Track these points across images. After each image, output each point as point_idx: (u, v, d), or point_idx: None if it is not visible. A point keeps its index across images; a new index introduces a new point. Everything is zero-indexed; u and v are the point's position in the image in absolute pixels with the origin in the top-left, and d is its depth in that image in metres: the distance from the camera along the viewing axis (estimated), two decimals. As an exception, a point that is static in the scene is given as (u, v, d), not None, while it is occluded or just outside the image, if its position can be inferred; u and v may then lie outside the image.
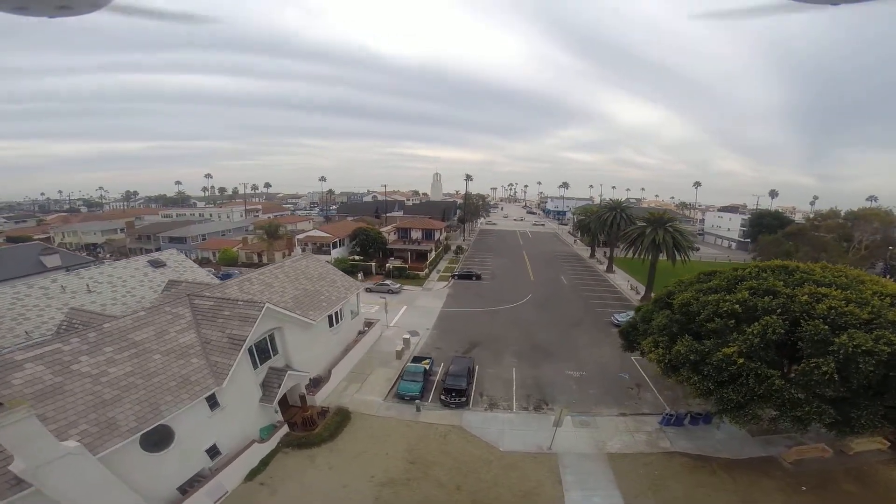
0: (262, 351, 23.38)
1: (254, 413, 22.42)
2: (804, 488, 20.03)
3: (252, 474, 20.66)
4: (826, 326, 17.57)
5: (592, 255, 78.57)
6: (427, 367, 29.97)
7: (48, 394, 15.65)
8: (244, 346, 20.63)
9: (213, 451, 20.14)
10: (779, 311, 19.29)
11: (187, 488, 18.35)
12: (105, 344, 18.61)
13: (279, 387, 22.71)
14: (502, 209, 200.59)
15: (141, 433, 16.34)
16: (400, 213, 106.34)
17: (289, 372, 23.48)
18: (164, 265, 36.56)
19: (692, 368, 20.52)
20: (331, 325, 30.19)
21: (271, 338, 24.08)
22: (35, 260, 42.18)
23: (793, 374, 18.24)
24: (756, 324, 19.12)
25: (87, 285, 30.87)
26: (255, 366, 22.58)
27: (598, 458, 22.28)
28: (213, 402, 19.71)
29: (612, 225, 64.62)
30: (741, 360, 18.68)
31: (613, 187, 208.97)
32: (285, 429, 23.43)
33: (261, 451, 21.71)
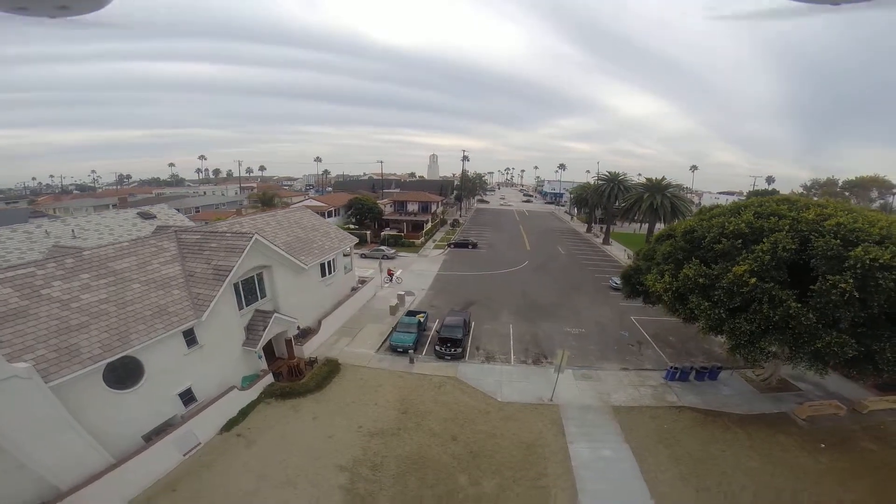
0: (249, 291, 22.10)
1: (236, 359, 21.09)
2: (823, 445, 18.95)
3: (229, 425, 19.10)
4: (838, 241, 16.60)
5: (589, 230, 77.51)
6: (422, 319, 28.81)
7: (9, 317, 14.27)
8: (229, 277, 19.33)
9: (187, 397, 18.56)
10: (786, 229, 18.30)
11: (154, 437, 16.72)
12: (82, 270, 17.34)
13: (264, 330, 21.41)
14: (499, 188, 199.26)
15: (105, 362, 14.84)
16: (396, 191, 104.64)
17: (275, 315, 22.18)
18: (154, 217, 35.66)
19: (702, 294, 19.35)
20: (323, 274, 28.96)
21: (259, 278, 22.77)
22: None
23: (809, 296, 17.02)
24: (764, 241, 18.13)
25: (73, 231, 29.73)
26: (240, 307, 21.29)
27: (603, 411, 21.20)
28: (190, 338, 18.34)
29: (609, 196, 63.50)
30: (753, 280, 17.50)
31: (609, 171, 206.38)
32: (269, 378, 22.09)
33: (240, 399, 20.17)
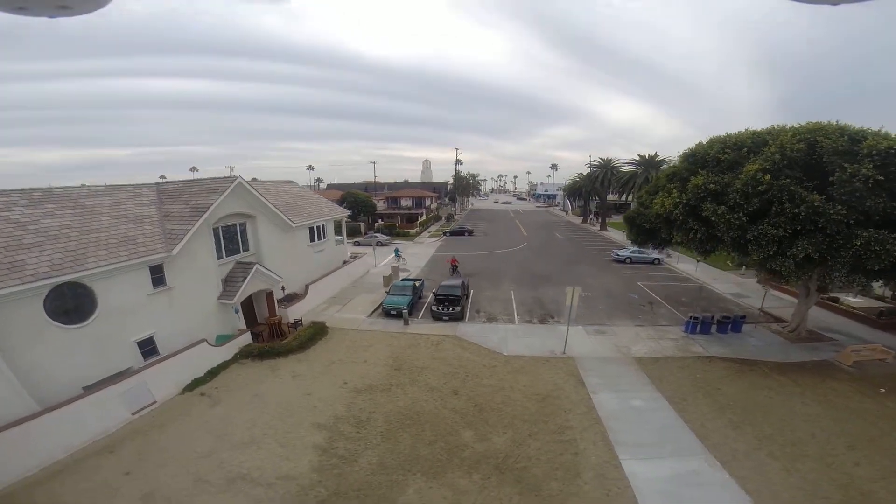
0: (231, 241, 20.32)
1: (210, 313, 18.95)
2: (883, 390, 16.78)
3: (194, 384, 16.52)
4: (845, 138, 15.88)
5: (585, 221, 76.50)
6: (417, 285, 26.92)
7: (-45, 234, 12.45)
8: (207, 213, 17.57)
9: (147, 347, 16.10)
10: (790, 135, 17.37)
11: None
12: (49, 202, 15.60)
13: (244, 281, 19.44)
14: (492, 193, 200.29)
15: (50, 281, 12.76)
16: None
17: (257, 266, 20.22)
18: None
19: (715, 201, 18.10)
20: (312, 239, 27.18)
21: (242, 230, 20.96)
22: None
23: (830, 189, 15.97)
24: (770, 144, 17.36)
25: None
26: (219, 256, 19.45)
27: (625, 362, 19.16)
28: (158, 276, 16.27)
29: (602, 181, 62.46)
30: (767, 178, 16.37)
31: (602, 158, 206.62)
32: (247, 338, 19.61)
33: (210, 357, 17.53)
